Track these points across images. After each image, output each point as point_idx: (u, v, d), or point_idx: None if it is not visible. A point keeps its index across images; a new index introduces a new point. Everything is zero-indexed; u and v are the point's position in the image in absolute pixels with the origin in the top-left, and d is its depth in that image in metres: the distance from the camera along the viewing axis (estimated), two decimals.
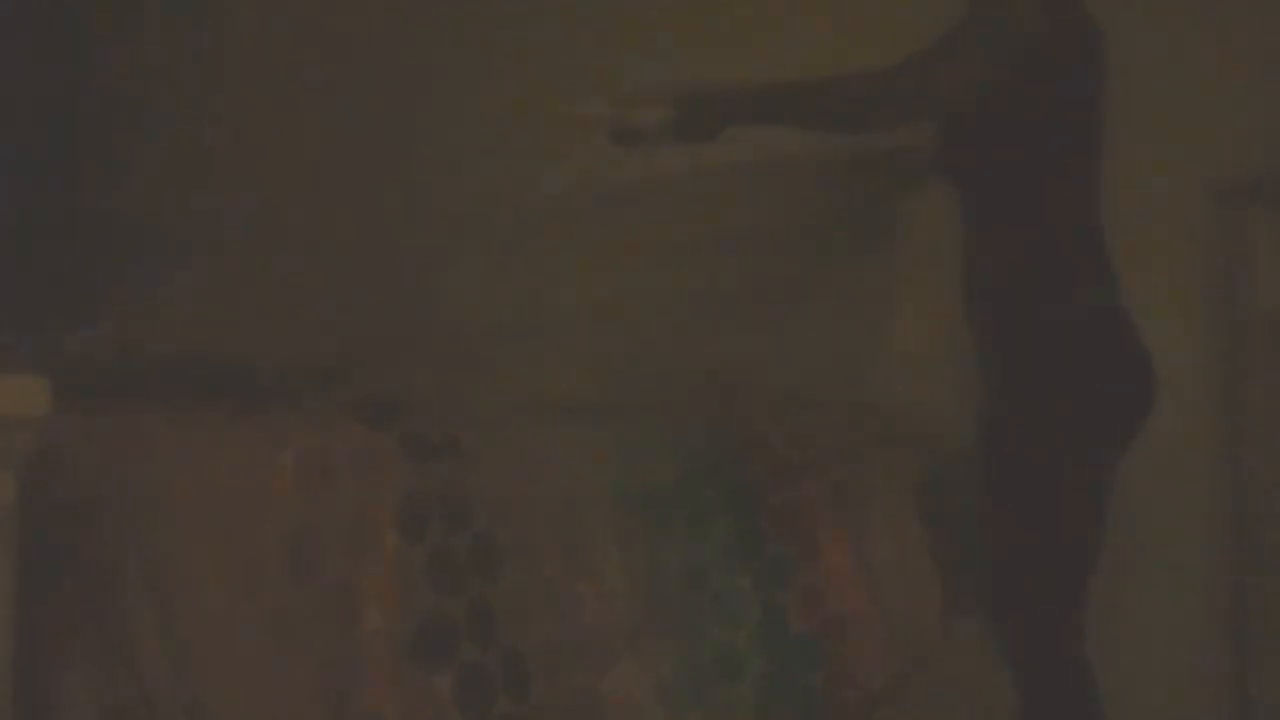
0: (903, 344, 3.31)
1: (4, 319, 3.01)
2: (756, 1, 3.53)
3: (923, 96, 2.65)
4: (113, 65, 3.97)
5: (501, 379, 3.03)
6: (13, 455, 1.98)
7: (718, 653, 2.71)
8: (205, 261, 3.70)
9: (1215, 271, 3.33)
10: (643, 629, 2.62)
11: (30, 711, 2.03)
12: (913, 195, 3.25)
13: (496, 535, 2.48)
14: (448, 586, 2.40)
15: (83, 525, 2.11)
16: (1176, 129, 3.23)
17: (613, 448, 2.72)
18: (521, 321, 3.44)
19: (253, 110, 3.87)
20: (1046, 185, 2.67)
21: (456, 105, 3.69)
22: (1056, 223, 2.67)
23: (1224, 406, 3.31)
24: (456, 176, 3.66)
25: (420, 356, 3.11)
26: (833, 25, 3.39)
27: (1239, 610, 3.30)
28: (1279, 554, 3.27)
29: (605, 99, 2.78)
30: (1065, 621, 2.65)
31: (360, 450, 2.39)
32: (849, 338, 3.32)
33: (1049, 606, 2.65)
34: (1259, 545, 3.29)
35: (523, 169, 3.58)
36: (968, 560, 3.00)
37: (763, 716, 2.74)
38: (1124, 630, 3.17)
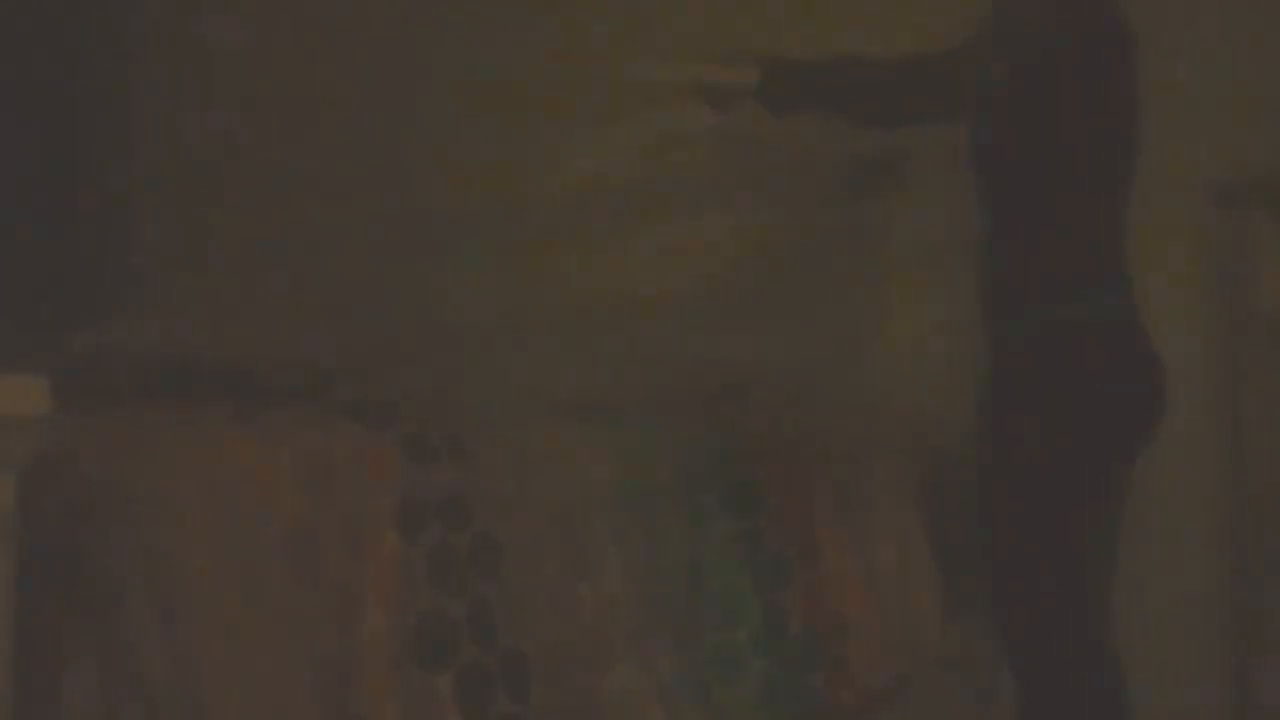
0: (903, 344, 3.31)
1: (4, 319, 3.01)
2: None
3: (949, 92, 2.66)
4: (112, 65, 3.97)
5: (501, 379, 3.03)
6: (13, 455, 1.98)
7: (718, 653, 2.71)
8: (206, 261, 3.70)
9: (1215, 271, 3.33)
10: (643, 629, 2.62)
11: (30, 711, 2.03)
12: (907, 196, 3.25)
13: (496, 535, 2.48)
14: (448, 586, 2.40)
15: (83, 525, 2.11)
16: (1177, 129, 3.23)
17: (613, 448, 2.72)
18: (522, 321, 3.44)
19: (252, 109, 3.87)
20: (1072, 189, 2.67)
21: (457, 105, 3.69)
22: (1078, 225, 2.67)
23: (1224, 406, 3.31)
24: (457, 177, 3.66)
25: (420, 356, 3.11)
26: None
27: (1239, 610, 3.30)
28: (1279, 554, 3.27)
29: (690, 62, 2.77)
30: (1088, 617, 2.65)
31: (360, 450, 2.39)
32: (850, 338, 3.32)
33: (1068, 605, 2.65)
34: (1259, 545, 3.29)
35: (524, 169, 3.58)
36: (968, 561, 3.00)
37: (763, 716, 2.74)
38: (1124, 630, 3.17)
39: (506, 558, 2.49)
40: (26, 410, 1.97)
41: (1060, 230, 2.68)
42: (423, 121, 3.72)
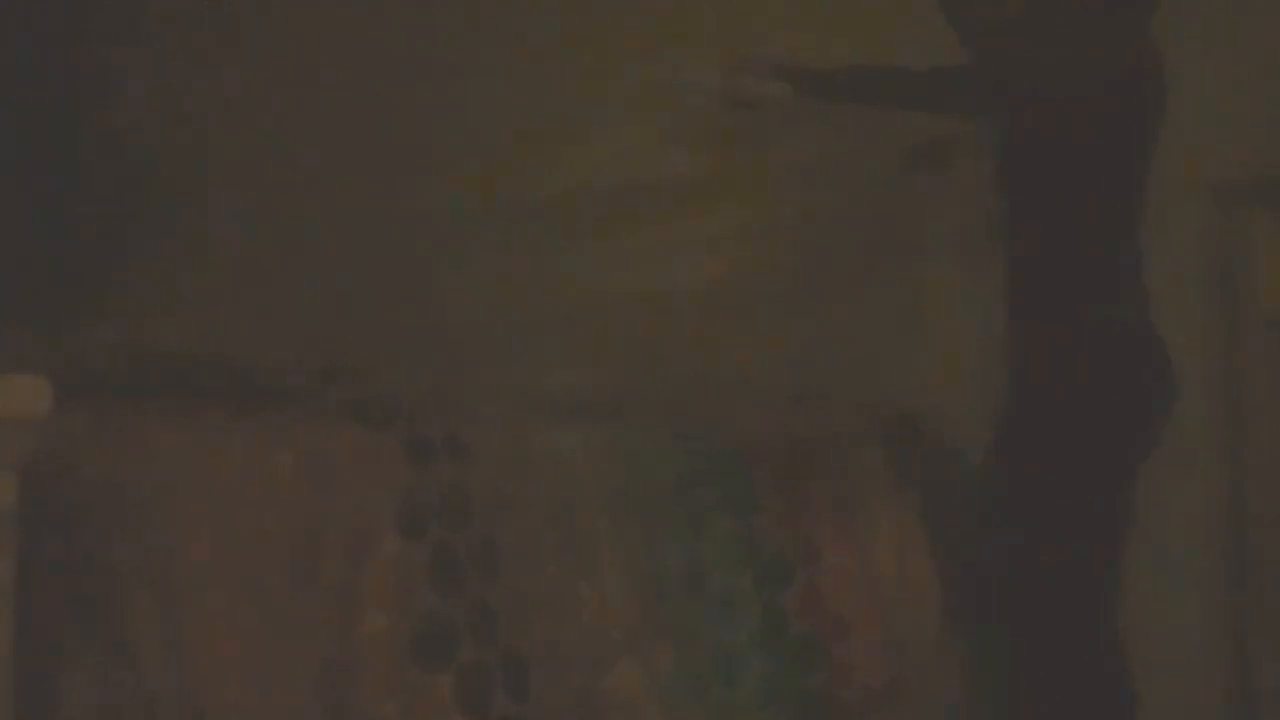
0: (913, 345, 3.31)
1: (6, 318, 3.01)
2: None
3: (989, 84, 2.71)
4: (113, 65, 3.97)
5: (501, 379, 3.03)
6: (14, 455, 1.98)
7: (718, 653, 2.71)
8: (206, 261, 3.69)
9: (1215, 271, 3.33)
10: (643, 629, 2.62)
11: (30, 711, 2.03)
12: (939, 188, 3.25)
13: (496, 535, 2.48)
14: (448, 587, 2.40)
15: (83, 525, 2.11)
16: (1177, 129, 3.23)
17: (613, 448, 2.72)
18: (523, 321, 3.43)
19: (254, 109, 3.86)
20: (1098, 198, 2.69)
21: (458, 104, 3.69)
22: (1102, 233, 2.70)
23: (1224, 406, 3.31)
24: (457, 176, 3.65)
25: (420, 356, 3.11)
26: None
27: (1239, 610, 3.30)
28: (1279, 554, 3.27)
29: (720, 68, 2.86)
30: (1099, 613, 2.67)
31: (360, 450, 2.39)
32: (860, 338, 3.31)
33: (1080, 600, 2.67)
34: (1259, 545, 3.29)
35: (524, 168, 3.58)
36: (969, 561, 3.00)
37: (763, 716, 2.74)
38: (1124, 629, 3.17)
39: (506, 558, 2.49)
40: (27, 410, 1.97)
41: (1075, 234, 2.70)
42: (423, 121, 3.71)
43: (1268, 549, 3.28)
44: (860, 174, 3.25)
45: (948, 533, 3.04)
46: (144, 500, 2.16)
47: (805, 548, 2.86)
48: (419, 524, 2.39)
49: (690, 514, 2.76)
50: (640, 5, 3.49)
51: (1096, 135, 2.67)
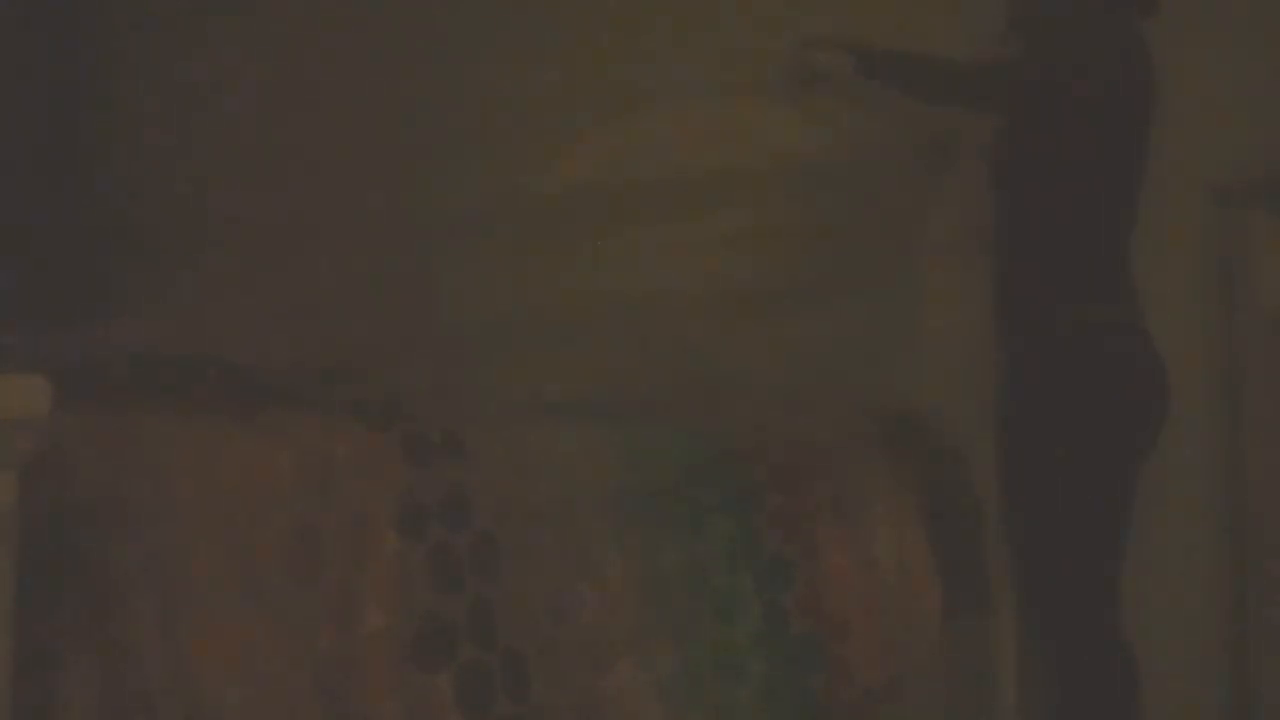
0: (908, 345, 3.31)
1: (5, 319, 3.01)
2: None
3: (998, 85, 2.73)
4: (112, 65, 3.97)
5: (501, 379, 3.03)
6: (14, 455, 1.98)
7: (718, 653, 2.72)
8: (205, 262, 3.70)
9: (1215, 271, 3.33)
10: (643, 629, 2.62)
11: (30, 711, 2.03)
12: (938, 188, 3.26)
13: (496, 535, 2.48)
14: (448, 586, 2.40)
15: (83, 525, 2.11)
16: (1177, 129, 3.23)
17: (613, 448, 2.72)
18: (522, 321, 3.44)
19: (253, 109, 3.87)
20: (1087, 198, 2.70)
21: (457, 103, 3.69)
22: (1091, 235, 2.70)
23: (1224, 406, 3.31)
24: (458, 175, 3.66)
25: (420, 356, 3.11)
26: None
27: (1239, 610, 3.30)
28: (1278, 554, 3.27)
29: (788, 41, 2.94)
30: (1103, 607, 2.68)
31: (360, 450, 2.39)
32: (859, 337, 3.32)
33: (1085, 598, 2.69)
34: (1259, 545, 3.29)
35: (525, 168, 3.58)
36: (969, 560, 3.00)
37: (763, 717, 2.74)
38: (1127, 629, 3.17)
39: (506, 558, 2.49)
40: (26, 410, 1.97)
41: (1069, 236, 2.70)
42: (423, 120, 3.72)
43: (1268, 549, 3.28)
44: (860, 174, 3.25)
45: (948, 533, 3.04)
46: (144, 500, 2.16)
47: (805, 548, 2.86)
48: (418, 524, 2.39)
49: (690, 514, 2.76)
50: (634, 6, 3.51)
51: (1091, 136, 2.68)
